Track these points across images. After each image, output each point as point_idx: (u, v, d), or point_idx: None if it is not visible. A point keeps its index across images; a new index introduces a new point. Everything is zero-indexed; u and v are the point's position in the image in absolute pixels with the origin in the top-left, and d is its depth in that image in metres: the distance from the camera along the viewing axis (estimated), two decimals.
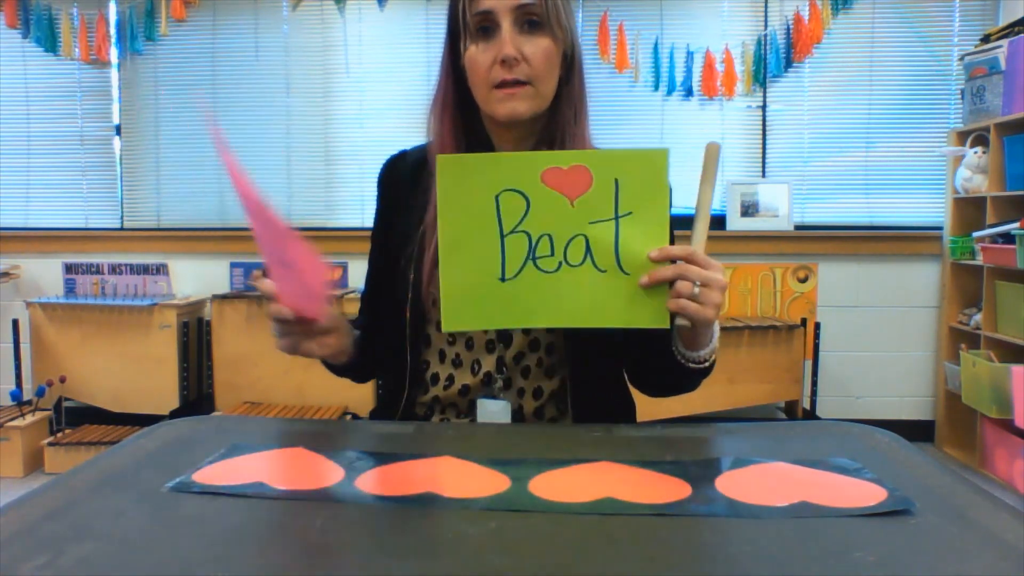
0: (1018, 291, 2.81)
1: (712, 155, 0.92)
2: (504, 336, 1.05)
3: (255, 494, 0.67)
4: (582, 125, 1.05)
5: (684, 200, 0.98)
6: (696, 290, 0.87)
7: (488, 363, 1.06)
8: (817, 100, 3.43)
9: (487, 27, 0.99)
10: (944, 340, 3.32)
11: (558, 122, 1.04)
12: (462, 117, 1.06)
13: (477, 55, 1.00)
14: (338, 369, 1.08)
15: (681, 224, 0.92)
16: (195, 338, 3.35)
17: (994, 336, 2.95)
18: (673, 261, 0.87)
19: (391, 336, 1.08)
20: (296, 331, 0.92)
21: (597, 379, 1.07)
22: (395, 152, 1.16)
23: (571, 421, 1.05)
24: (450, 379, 1.07)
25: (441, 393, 1.07)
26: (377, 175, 1.15)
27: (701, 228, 0.91)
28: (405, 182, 1.10)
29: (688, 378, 1.01)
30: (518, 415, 1.05)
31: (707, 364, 0.98)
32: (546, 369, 1.06)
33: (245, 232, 3.48)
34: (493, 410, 1.03)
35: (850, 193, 3.45)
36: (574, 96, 1.05)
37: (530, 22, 0.99)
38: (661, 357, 1.00)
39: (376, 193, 1.16)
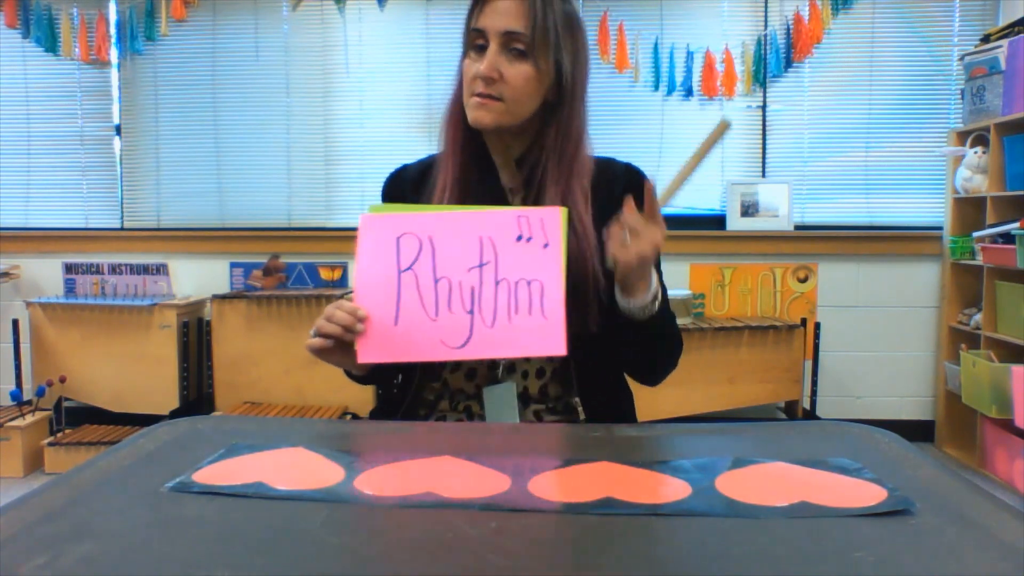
0: (1018, 291, 2.81)
1: (719, 133, 1.02)
2: None
3: (255, 494, 0.67)
4: (566, 166, 1.09)
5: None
6: (626, 238, 0.96)
7: None
8: (817, 100, 3.43)
9: (481, 44, 1.08)
10: (944, 340, 3.32)
11: (544, 145, 1.10)
12: (468, 126, 1.12)
13: (467, 66, 1.09)
14: (360, 379, 1.12)
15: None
16: (195, 338, 3.35)
17: (994, 336, 2.95)
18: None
19: None
20: (341, 346, 0.98)
21: (598, 356, 1.10)
22: (397, 167, 1.23)
23: (577, 397, 1.10)
24: (457, 364, 1.12)
25: (449, 376, 1.13)
26: (381, 188, 1.22)
27: (675, 179, 1.01)
28: (407, 199, 1.17)
29: (643, 332, 1.05)
30: (524, 396, 1.10)
31: (649, 313, 1.03)
32: None
33: (245, 232, 3.51)
34: (499, 394, 1.08)
35: (850, 193, 3.45)
36: (562, 124, 1.09)
37: (515, 49, 1.06)
38: (618, 324, 1.05)
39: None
